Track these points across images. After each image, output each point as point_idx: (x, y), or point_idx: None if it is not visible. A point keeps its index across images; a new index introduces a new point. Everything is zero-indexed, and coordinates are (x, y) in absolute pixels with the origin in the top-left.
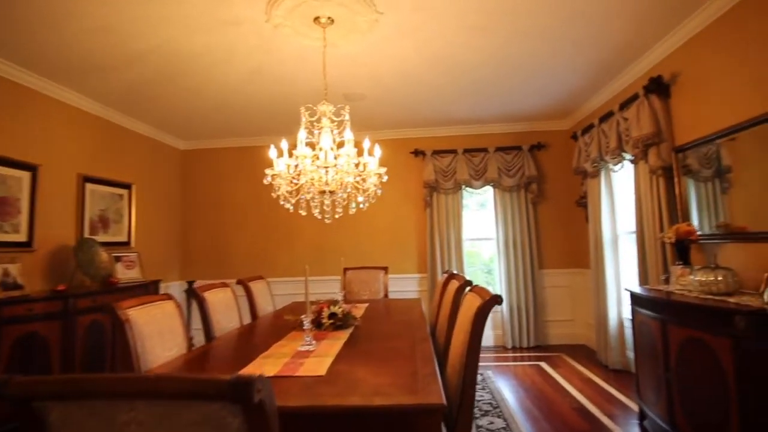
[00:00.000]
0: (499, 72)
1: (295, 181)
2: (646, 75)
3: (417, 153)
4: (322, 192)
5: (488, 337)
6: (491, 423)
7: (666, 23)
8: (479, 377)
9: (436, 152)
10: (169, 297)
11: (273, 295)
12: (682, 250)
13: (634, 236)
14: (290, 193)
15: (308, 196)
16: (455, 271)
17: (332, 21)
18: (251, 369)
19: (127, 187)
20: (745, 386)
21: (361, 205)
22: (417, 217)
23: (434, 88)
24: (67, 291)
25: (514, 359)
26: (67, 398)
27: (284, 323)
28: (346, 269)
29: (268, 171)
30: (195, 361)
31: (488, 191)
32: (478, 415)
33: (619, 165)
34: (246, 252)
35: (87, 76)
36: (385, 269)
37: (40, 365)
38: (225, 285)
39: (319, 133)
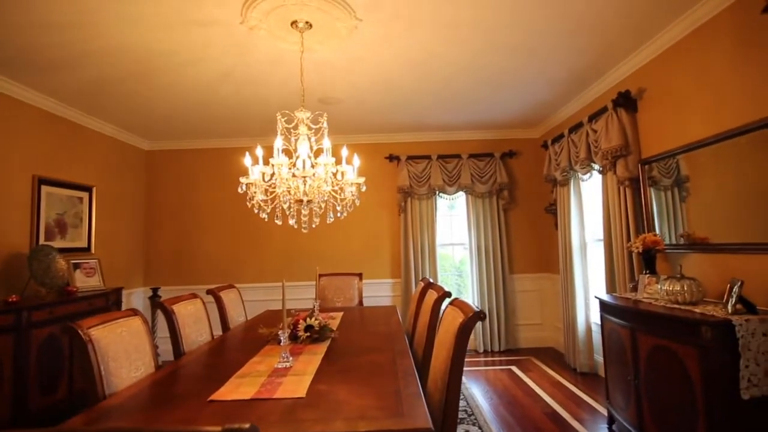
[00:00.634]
0: (472, 82)
1: (270, 190)
2: (614, 89)
3: (392, 158)
4: (299, 201)
5: None
6: (467, 431)
7: (633, 41)
8: None
9: (410, 158)
10: (134, 312)
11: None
12: (649, 259)
13: (601, 244)
14: (265, 201)
15: (285, 206)
16: (431, 279)
17: (310, 26)
18: (226, 390)
19: (87, 189)
20: (711, 395)
21: (339, 215)
22: (391, 223)
23: (410, 94)
24: (20, 302)
25: (486, 363)
26: None
27: (258, 336)
28: (320, 275)
29: (242, 179)
30: (164, 383)
31: (461, 197)
32: None
33: (588, 174)
34: (213, 257)
35: (43, 73)
36: (360, 275)
37: None
38: (194, 296)
39: (296, 141)
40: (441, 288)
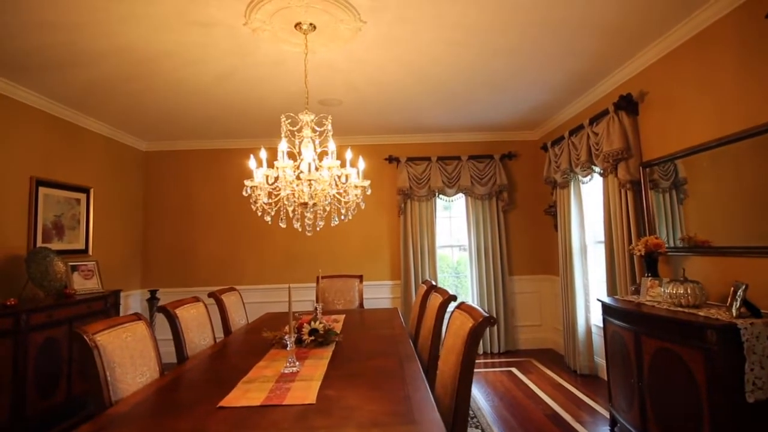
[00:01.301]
0: (472, 85)
1: (275, 193)
2: (616, 92)
3: (391, 159)
4: (304, 204)
5: None
6: None
7: (634, 44)
8: None
9: (410, 159)
10: (138, 317)
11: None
12: (651, 262)
13: (602, 246)
14: (269, 204)
15: (290, 209)
16: (433, 282)
17: (314, 27)
18: (235, 396)
19: (84, 190)
20: (716, 398)
21: (344, 218)
22: (390, 224)
23: (410, 96)
24: (19, 305)
25: (486, 365)
26: None
27: (261, 340)
28: (320, 277)
29: (247, 182)
30: (170, 389)
31: (459, 199)
32: None
33: (589, 177)
34: (212, 259)
35: (42, 74)
36: (360, 277)
37: None
38: (197, 299)
39: (300, 143)
40: (445, 291)
